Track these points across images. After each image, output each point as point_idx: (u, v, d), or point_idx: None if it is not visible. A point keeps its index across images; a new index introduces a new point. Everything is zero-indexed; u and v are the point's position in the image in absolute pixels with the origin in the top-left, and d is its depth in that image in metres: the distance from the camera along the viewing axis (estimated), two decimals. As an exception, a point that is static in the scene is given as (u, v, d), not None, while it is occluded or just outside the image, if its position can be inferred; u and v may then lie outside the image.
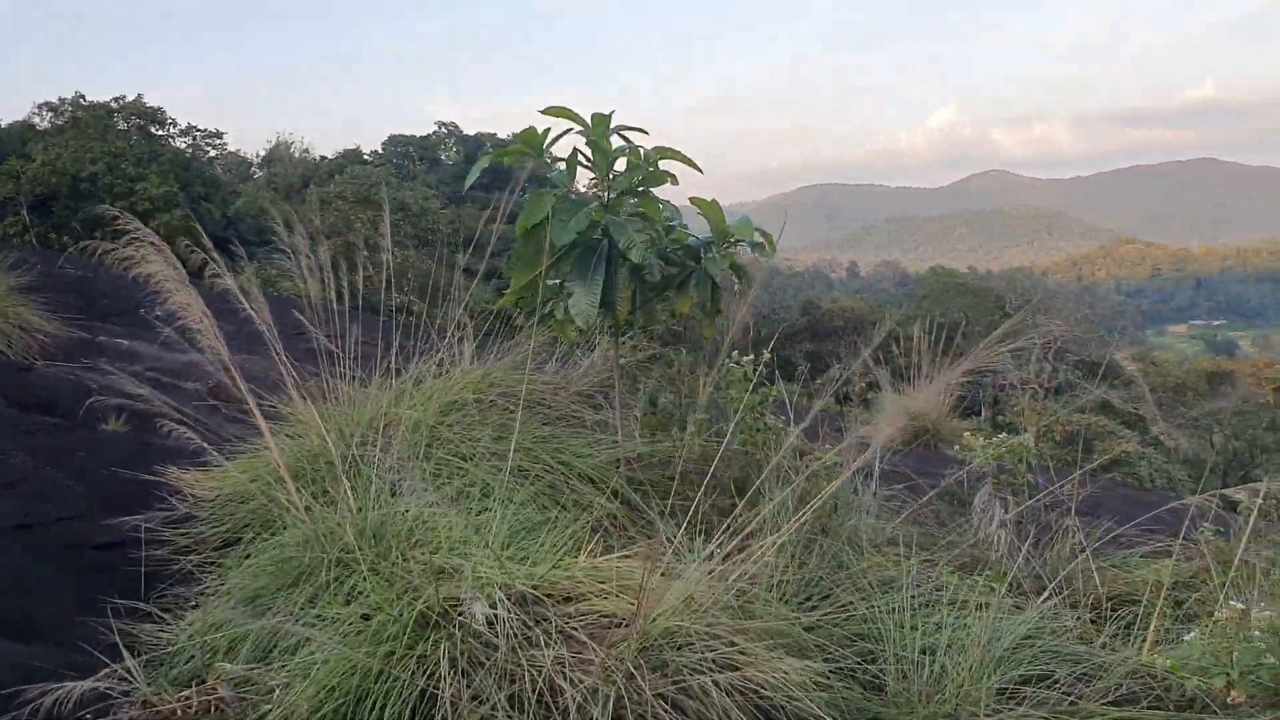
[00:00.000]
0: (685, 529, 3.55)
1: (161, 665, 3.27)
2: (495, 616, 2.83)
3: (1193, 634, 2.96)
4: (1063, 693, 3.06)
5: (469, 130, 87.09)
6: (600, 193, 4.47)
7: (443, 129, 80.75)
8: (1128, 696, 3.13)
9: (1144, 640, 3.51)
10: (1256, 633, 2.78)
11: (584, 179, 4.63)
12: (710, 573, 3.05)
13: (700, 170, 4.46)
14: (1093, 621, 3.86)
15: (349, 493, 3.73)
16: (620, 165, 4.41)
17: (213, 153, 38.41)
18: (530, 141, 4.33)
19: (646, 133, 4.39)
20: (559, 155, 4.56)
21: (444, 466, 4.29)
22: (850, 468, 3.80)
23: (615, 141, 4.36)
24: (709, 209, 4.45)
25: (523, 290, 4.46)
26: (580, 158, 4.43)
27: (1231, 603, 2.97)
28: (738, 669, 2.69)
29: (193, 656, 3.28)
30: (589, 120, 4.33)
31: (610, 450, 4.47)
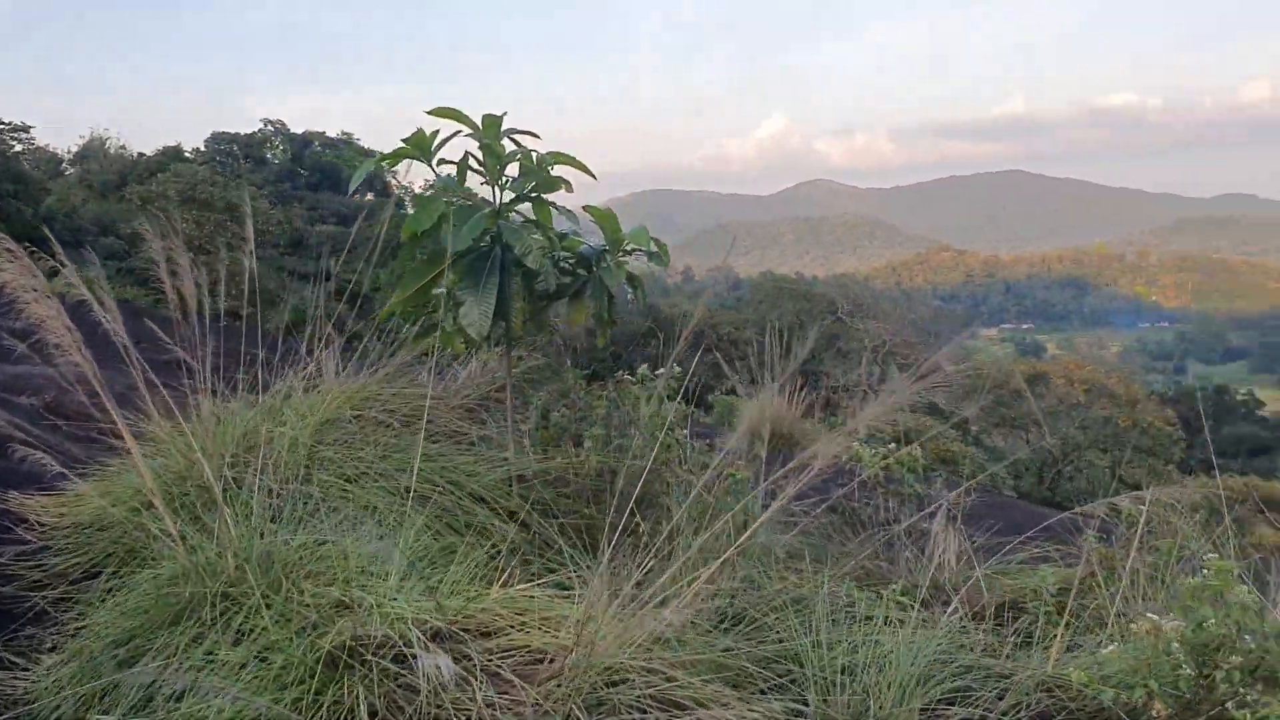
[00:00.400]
0: (599, 553, 3.40)
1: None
2: (414, 655, 2.62)
3: (1110, 647, 2.99)
4: (984, 710, 3.05)
5: (296, 128, 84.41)
6: (491, 199, 4.27)
7: (269, 126, 77.96)
8: (1042, 712, 3.15)
9: (1046, 650, 3.55)
10: (1175, 644, 2.83)
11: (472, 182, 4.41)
12: (638, 601, 2.91)
13: (594, 176, 4.32)
14: (988, 631, 3.90)
15: (229, 519, 3.43)
16: (512, 170, 4.23)
17: (19, 147, 36.01)
18: (420, 145, 4.10)
19: (538, 136, 4.23)
20: (447, 159, 4.34)
21: (328, 489, 4.01)
22: (762, 483, 3.72)
23: (507, 145, 4.18)
24: (603, 217, 4.31)
25: (410, 300, 4.23)
26: (471, 161, 4.22)
27: (1148, 615, 3.02)
28: (682, 707, 2.56)
29: (58, 707, 2.94)
30: (479, 122, 4.13)
31: (502, 468, 4.28)
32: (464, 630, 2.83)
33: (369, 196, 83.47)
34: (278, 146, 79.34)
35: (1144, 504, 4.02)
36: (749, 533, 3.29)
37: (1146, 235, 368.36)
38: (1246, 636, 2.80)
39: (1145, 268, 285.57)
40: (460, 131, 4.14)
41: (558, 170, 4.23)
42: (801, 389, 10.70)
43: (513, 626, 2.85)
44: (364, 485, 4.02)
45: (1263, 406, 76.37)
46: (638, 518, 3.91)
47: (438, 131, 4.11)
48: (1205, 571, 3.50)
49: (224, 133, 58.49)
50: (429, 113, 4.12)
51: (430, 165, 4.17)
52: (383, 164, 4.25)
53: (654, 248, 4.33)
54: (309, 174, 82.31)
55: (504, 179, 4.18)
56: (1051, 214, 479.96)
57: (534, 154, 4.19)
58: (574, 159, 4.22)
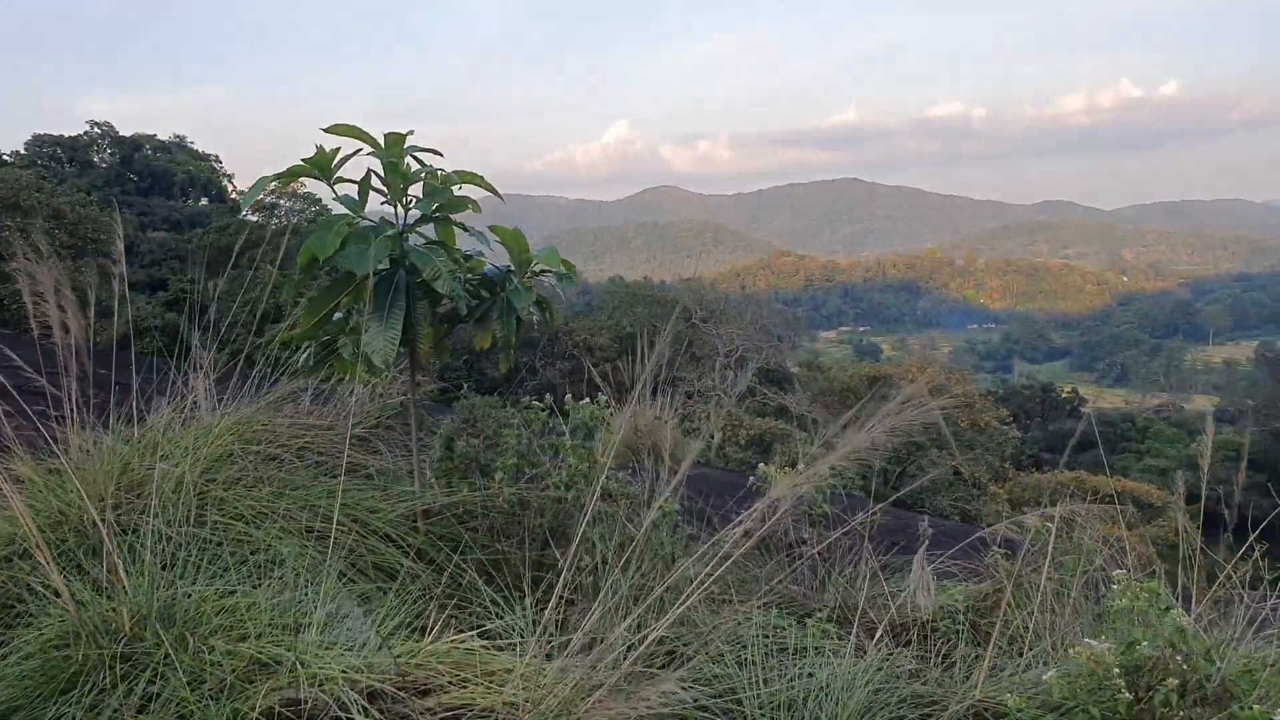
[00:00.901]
0: (519, 593, 3.26)
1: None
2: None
3: (1050, 673, 3.02)
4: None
5: (125, 130, 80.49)
6: (394, 219, 4.06)
7: (95, 129, 74.21)
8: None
9: (968, 675, 3.58)
10: (1116, 669, 2.88)
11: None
12: (579, 649, 2.79)
13: (501, 197, 4.17)
14: (914, 655, 3.92)
15: (120, 569, 3.15)
16: (416, 189, 4.04)
17: None
18: (320, 164, 3.86)
19: (441, 154, 4.05)
20: (346, 178, 4.10)
21: (224, 532, 3.73)
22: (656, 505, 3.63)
23: (411, 164, 3.98)
24: (511, 237, 4.15)
25: (313, 329, 3.98)
26: (374, 180, 4.00)
27: (1086, 641, 3.07)
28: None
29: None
30: (381, 140, 3.93)
31: (406, 502, 4.07)
32: (400, 689, 2.65)
33: (204, 202, 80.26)
34: (105, 149, 75.56)
35: (1052, 521, 4.10)
36: (677, 569, 3.20)
37: (973, 240, 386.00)
38: (1179, 657, 2.87)
39: (973, 271, 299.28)
40: (361, 149, 3.93)
41: (463, 190, 4.07)
42: (658, 395, 10.68)
43: (452, 683, 2.69)
44: (263, 526, 3.76)
45: (1086, 403, 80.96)
46: (555, 552, 3.78)
47: (338, 149, 3.89)
48: (1115, 588, 3.60)
49: (46, 135, 55.36)
50: (327, 130, 3.89)
51: (329, 185, 3.94)
52: (277, 182, 3.99)
53: (563, 269, 4.21)
54: (139, 178, 78.67)
55: (408, 199, 3.98)
56: (885, 220, 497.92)
57: (439, 172, 4.01)
58: (480, 178, 4.06)
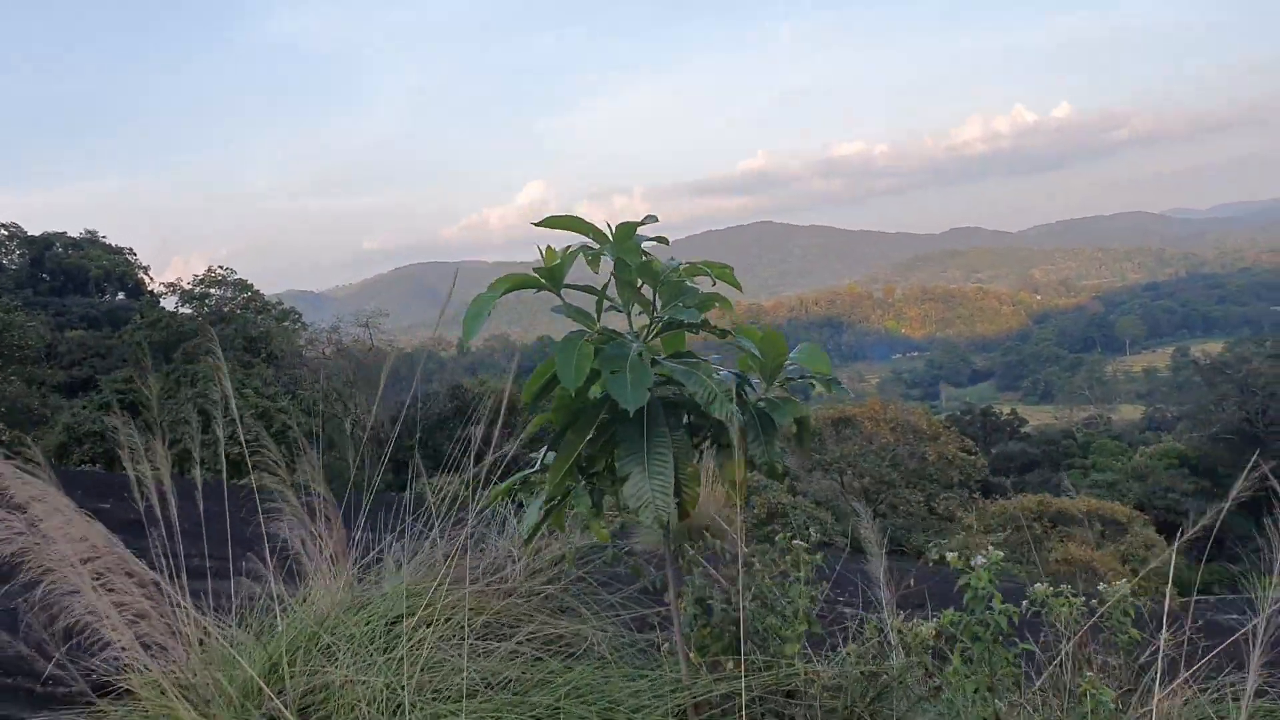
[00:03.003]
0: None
1: None
2: None
3: None
4: None
5: (33, 229, 77.86)
6: (627, 328, 3.16)
7: (3, 230, 71.62)
8: None
9: None
10: None
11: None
12: None
13: (739, 288, 3.28)
14: None
15: None
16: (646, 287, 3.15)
17: None
18: (553, 274, 2.96)
19: (668, 242, 3.17)
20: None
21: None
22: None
23: (643, 258, 3.09)
24: (764, 340, 3.25)
25: (563, 480, 3.04)
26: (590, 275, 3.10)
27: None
28: None
29: None
30: (609, 231, 3.04)
31: (673, 694, 3.12)
32: None
33: (120, 296, 77.79)
34: (14, 251, 72.90)
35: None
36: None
37: (889, 272, 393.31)
38: None
39: (892, 303, 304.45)
40: (584, 244, 3.03)
41: (697, 283, 3.19)
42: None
43: None
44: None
45: (1026, 423, 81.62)
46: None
47: (569, 249, 2.99)
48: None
49: (-54, 238, 52.97)
50: (540, 224, 3.00)
51: (559, 295, 3.04)
52: (501, 295, 3.06)
53: (828, 372, 3.29)
54: (51, 278, 75.91)
55: (656, 303, 3.09)
56: (802, 260, 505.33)
57: (679, 266, 3.13)
58: (725, 269, 3.18)
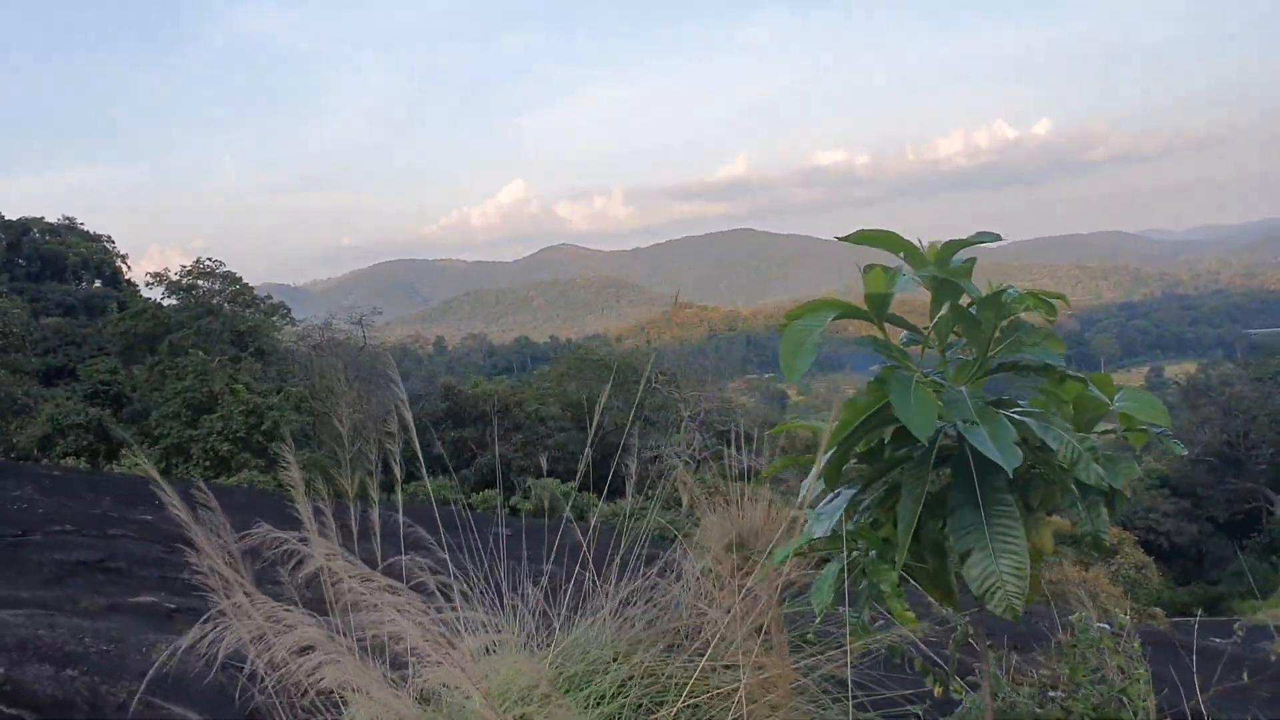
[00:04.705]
0: None
1: None
2: None
3: None
4: None
5: (10, 214, 76.58)
6: (939, 368, 2.61)
7: (-24, 217, 70.20)
8: None
9: None
10: None
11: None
12: None
13: (1065, 303, 2.72)
14: None
15: None
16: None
17: None
18: (878, 303, 2.41)
19: (999, 236, 2.62)
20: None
21: None
22: None
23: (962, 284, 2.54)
24: (1099, 382, 2.69)
25: (895, 555, 2.48)
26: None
27: None
28: None
29: None
30: (926, 250, 2.49)
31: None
32: None
33: (97, 285, 76.50)
34: (-10, 237, 71.57)
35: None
36: None
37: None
38: None
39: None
40: (898, 268, 2.49)
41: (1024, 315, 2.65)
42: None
43: None
44: None
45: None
46: None
47: (894, 273, 2.44)
48: None
49: (-80, 223, 51.78)
50: (846, 238, 2.45)
51: (880, 326, 2.48)
52: (826, 324, 2.50)
53: (1169, 424, 2.73)
54: (28, 263, 74.41)
55: (982, 338, 2.54)
56: (779, 267, 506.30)
57: (1007, 292, 2.59)
58: (1063, 298, 2.64)
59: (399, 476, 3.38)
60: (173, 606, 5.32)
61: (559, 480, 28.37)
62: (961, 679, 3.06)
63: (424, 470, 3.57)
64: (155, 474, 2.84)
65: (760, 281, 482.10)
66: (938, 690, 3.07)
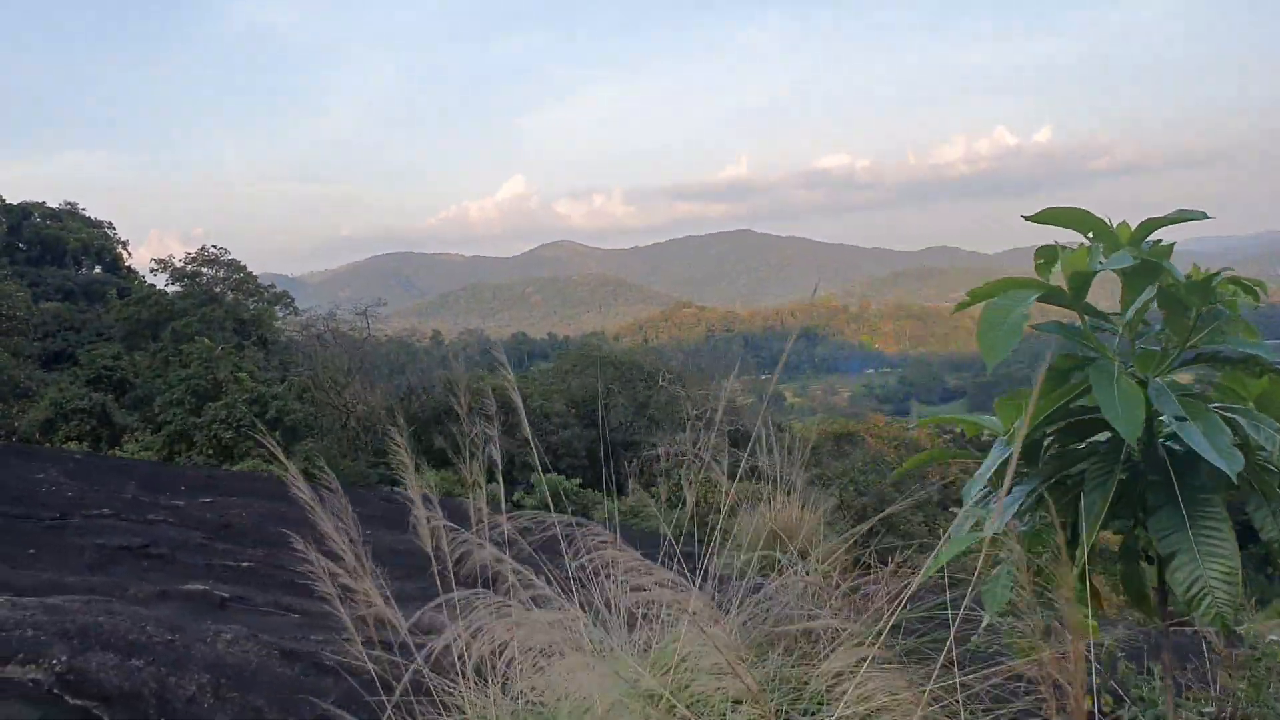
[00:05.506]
0: None
1: None
2: None
3: None
4: None
5: (11, 198, 76.25)
6: (1129, 357, 2.43)
7: (-21, 199, 69.82)
8: None
9: None
10: None
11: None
12: None
13: (1265, 290, 2.55)
14: None
15: None
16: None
17: None
18: (1079, 283, 2.23)
19: (1192, 215, 2.44)
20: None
21: None
22: None
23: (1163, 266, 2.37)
24: None
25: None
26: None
27: None
28: None
29: None
30: (1115, 230, 2.31)
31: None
32: None
33: (98, 270, 76.15)
34: (-8, 218, 71.19)
35: None
36: None
37: (865, 287, 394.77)
38: None
39: (867, 317, 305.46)
40: (1082, 245, 2.31)
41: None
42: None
43: None
44: None
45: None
46: None
47: (1094, 251, 2.26)
48: None
49: (-82, 205, 51.50)
50: (1032, 218, 2.28)
51: (1080, 313, 2.31)
52: (1029, 305, 2.32)
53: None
54: (28, 248, 74.01)
55: (1184, 327, 2.37)
56: (779, 269, 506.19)
57: (1206, 275, 2.42)
58: (1258, 285, 2.47)
59: (510, 470, 3.20)
60: (225, 595, 5.14)
61: (563, 477, 28.21)
62: (1117, 696, 2.88)
63: (539, 465, 3.40)
64: (295, 471, 2.67)
65: (758, 282, 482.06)
66: (1088, 704, 2.89)
